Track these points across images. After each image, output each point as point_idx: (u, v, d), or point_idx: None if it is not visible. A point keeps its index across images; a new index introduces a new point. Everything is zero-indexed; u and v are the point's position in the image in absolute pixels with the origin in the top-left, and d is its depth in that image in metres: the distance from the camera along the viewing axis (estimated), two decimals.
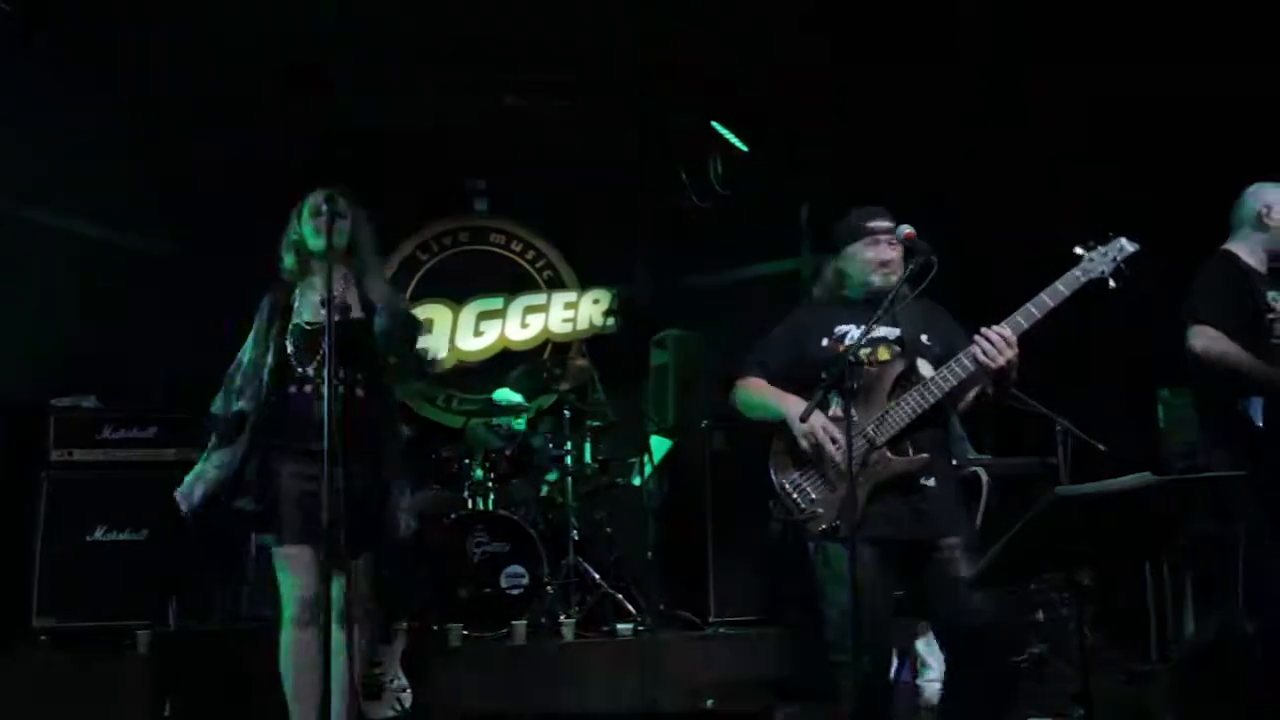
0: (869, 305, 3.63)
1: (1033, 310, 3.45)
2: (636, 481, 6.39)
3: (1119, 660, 6.03)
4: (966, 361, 3.47)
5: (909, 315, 3.70)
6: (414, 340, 4.16)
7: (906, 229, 3.65)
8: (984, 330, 3.42)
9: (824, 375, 3.43)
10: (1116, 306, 3.59)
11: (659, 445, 6.57)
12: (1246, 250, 4.35)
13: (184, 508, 3.92)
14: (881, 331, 3.68)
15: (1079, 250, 3.46)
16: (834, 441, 3.49)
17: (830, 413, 3.54)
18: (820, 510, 3.53)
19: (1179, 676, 4.27)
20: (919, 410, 3.54)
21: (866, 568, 3.45)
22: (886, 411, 3.56)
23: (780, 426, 3.63)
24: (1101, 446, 5.29)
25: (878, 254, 3.73)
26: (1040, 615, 6.11)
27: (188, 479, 3.99)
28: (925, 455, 3.56)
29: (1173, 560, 6.03)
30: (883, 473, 3.53)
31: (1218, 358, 4.08)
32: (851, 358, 3.45)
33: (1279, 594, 4.04)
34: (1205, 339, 4.09)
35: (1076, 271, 3.45)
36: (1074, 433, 5.28)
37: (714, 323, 7.60)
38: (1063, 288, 3.44)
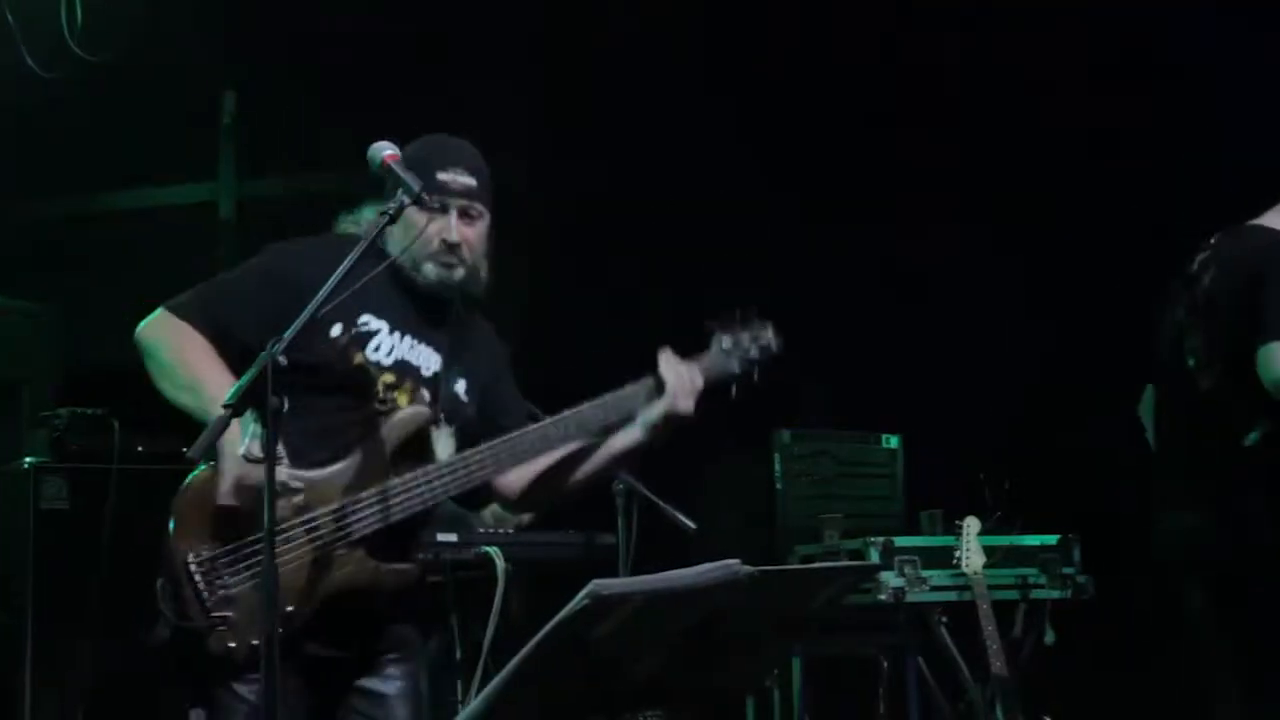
0: (419, 298, 3.12)
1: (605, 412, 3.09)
2: None
3: None
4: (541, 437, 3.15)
5: (456, 336, 3.23)
6: None
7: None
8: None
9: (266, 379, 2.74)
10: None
11: None
12: None
13: None
14: (419, 354, 3.14)
15: (717, 332, 3.16)
16: (296, 497, 2.89)
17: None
18: (233, 615, 2.82)
19: None
20: (443, 496, 3.02)
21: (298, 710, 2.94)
22: (387, 489, 2.93)
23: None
24: (685, 520, 4.39)
25: (442, 230, 3.11)
26: None
27: None
28: (413, 566, 3.05)
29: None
30: (352, 580, 2.91)
31: None
32: (360, 365, 2.95)
33: None
34: None
35: (706, 363, 3.14)
36: (641, 494, 4.46)
37: (62, 284, 6.28)
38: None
